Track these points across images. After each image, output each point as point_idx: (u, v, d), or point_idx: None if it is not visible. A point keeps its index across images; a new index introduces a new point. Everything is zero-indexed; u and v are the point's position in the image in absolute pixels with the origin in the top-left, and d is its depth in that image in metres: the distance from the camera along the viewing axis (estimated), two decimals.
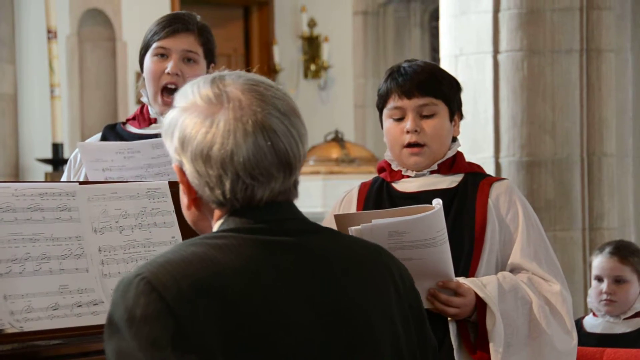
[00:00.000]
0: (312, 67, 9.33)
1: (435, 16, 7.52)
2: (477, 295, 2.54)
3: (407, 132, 2.66)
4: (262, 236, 1.62)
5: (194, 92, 1.68)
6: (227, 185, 1.61)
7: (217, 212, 1.66)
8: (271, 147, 1.62)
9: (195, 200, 1.67)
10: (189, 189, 1.66)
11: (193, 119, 1.64)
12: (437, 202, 2.47)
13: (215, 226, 1.66)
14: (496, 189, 2.70)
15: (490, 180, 2.73)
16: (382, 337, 1.66)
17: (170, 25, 3.07)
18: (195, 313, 1.51)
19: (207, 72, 3.16)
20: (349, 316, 1.63)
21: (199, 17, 3.18)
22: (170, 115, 1.69)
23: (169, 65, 3.05)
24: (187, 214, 1.71)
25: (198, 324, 1.51)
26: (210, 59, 3.16)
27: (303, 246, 1.65)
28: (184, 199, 1.69)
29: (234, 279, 1.56)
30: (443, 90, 2.69)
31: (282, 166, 1.64)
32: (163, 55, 3.07)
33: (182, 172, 1.66)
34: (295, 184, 1.69)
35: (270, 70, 9.49)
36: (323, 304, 1.61)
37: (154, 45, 3.08)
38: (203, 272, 1.55)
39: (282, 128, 1.64)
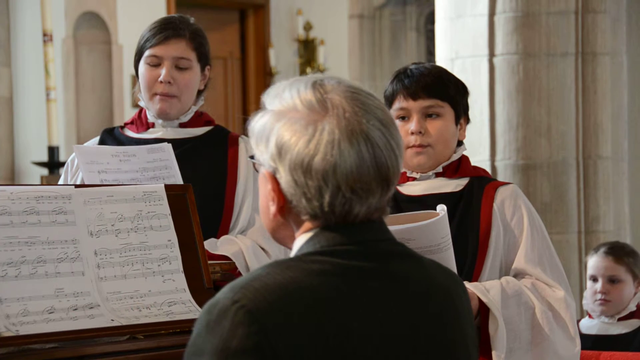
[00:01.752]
0: (308, 70, 9.33)
1: (431, 19, 7.53)
2: (480, 300, 2.53)
3: (412, 133, 2.67)
4: (357, 262, 1.55)
5: (292, 95, 1.59)
6: (327, 197, 1.54)
7: (307, 224, 1.58)
8: (373, 161, 1.55)
9: (283, 208, 1.59)
10: (279, 197, 1.58)
11: (293, 125, 1.55)
12: (442, 209, 2.46)
13: (302, 238, 1.59)
14: (501, 194, 2.70)
15: (496, 185, 2.73)
16: None
17: (161, 32, 3.06)
18: (292, 348, 1.45)
19: (203, 75, 3.16)
20: (438, 356, 1.59)
21: (192, 20, 3.17)
22: (263, 119, 1.60)
23: (162, 74, 3.05)
24: (269, 221, 1.63)
25: (294, 359, 1.45)
26: (205, 62, 3.16)
27: (397, 276, 1.58)
28: (270, 207, 1.60)
29: (332, 313, 1.50)
30: (449, 92, 2.69)
31: (381, 181, 1.56)
32: (155, 62, 3.07)
33: (274, 179, 1.58)
34: (389, 201, 1.62)
35: (266, 73, 9.50)
36: (414, 338, 1.56)
37: (146, 53, 3.08)
38: (301, 303, 1.48)
39: (383, 140, 1.56)
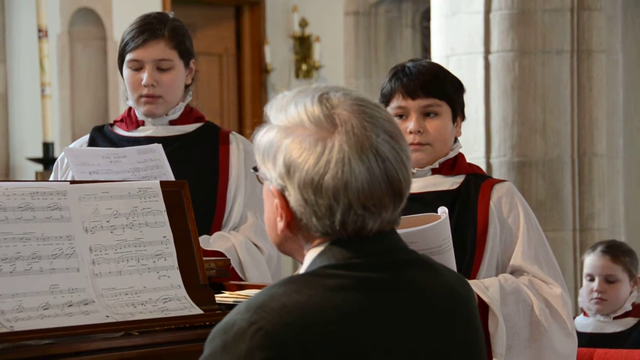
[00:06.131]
0: (304, 67, 9.32)
1: (426, 17, 7.53)
2: (479, 298, 2.54)
3: (410, 132, 2.67)
4: (374, 274, 1.52)
5: (299, 110, 1.54)
6: (338, 216, 1.51)
7: (317, 240, 1.55)
8: (384, 175, 1.52)
9: (291, 224, 1.56)
10: (287, 213, 1.55)
11: (302, 142, 1.51)
12: (444, 211, 2.47)
13: (313, 252, 1.56)
14: (497, 191, 2.70)
15: (492, 182, 2.73)
16: None
17: (139, 35, 3.04)
18: None
19: (189, 69, 3.14)
20: None
21: (171, 14, 3.15)
22: (269, 135, 1.56)
23: (144, 77, 3.04)
24: (275, 236, 1.60)
25: None
26: (188, 57, 3.13)
27: (415, 286, 1.56)
28: (278, 223, 1.57)
29: (353, 331, 1.47)
30: (447, 91, 2.70)
31: (393, 195, 1.54)
32: (137, 67, 3.05)
33: (282, 196, 1.54)
34: (401, 212, 1.59)
35: (262, 70, 9.49)
36: (437, 348, 1.55)
37: (127, 57, 3.07)
38: (322, 323, 1.45)
39: (393, 154, 1.53)
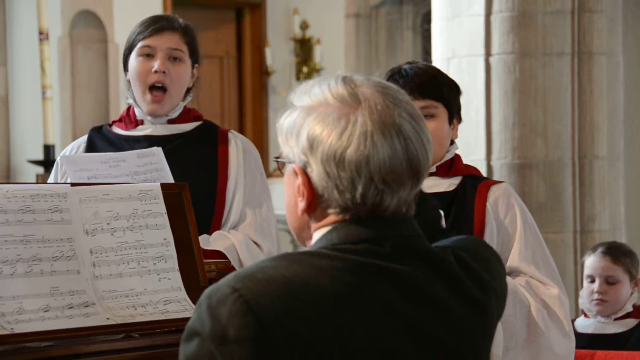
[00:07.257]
0: (304, 69, 9.33)
1: (427, 19, 7.53)
2: None
3: None
4: (371, 259, 1.53)
5: (323, 90, 1.59)
6: (359, 189, 1.53)
7: (328, 218, 1.57)
8: (405, 153, 1.55)
9: (312, 204, 1.57)
10: (309, 191, 1.57)
11: (325, 118, 1.55)
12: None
13: (321, 231, 1.57)
14: (494, 192, 2.71)
15: (488, 184, 2.74)
16: None
17: (155, 24, 3.07)
18: (288, 341, 1.44)
19: (192, 73, 3.16)
20: None
21: (181, 20, 3.19)
22: (293, 115, 1.59)
23: (156, 64, 3.04)
24: (295, 219, 1.62)
25: (290, 353, 1.44)
26: (195, 58, 3.15)
27: (414, 275, 1.55)
28: (299, 204, 1.59)
29: (332, 312, 1.48)
30: (443, 93, 2.70)
31: (412, 173, 1.56)
32: (149, 54, 3.06)
33: (304, 174, 1.57)
34: (416, 197, 1.61)
35: (263, 72, 9.49)
36: (423, 343, 1.54)
37: (139, 44, 3.07)
38: (302, 299, 1.47)
39: (413, 133, 1.56)
